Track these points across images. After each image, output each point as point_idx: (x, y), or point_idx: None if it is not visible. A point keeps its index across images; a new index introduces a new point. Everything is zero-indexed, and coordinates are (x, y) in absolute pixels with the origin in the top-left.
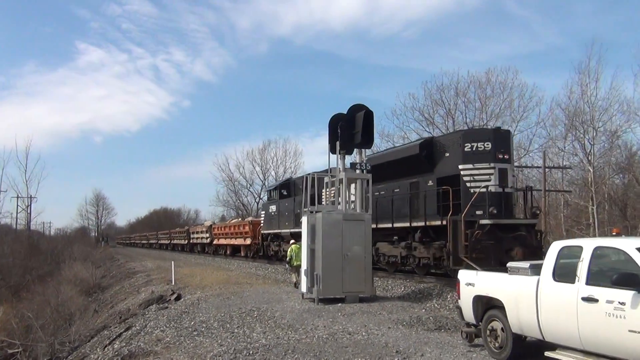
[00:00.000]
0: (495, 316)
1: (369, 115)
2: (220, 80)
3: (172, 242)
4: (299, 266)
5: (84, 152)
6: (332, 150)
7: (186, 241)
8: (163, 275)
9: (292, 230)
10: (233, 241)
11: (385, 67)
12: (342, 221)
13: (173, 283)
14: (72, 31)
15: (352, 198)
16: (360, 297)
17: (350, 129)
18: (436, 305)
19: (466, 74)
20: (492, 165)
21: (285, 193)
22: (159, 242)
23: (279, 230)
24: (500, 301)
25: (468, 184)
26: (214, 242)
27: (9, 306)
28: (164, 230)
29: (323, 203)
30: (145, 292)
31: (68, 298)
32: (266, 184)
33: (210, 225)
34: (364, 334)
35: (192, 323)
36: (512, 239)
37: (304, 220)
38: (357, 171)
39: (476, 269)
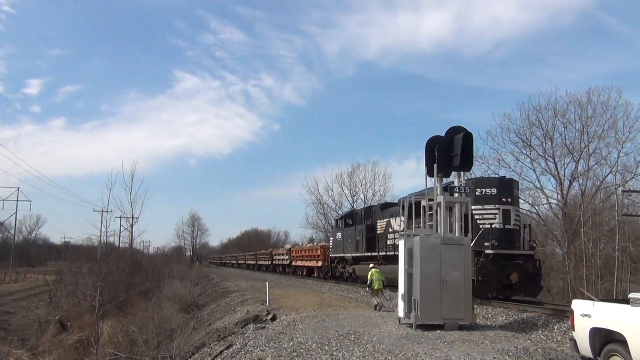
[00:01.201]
0: (616, 351)
1: (468, 137)
2: (308, 104)
3: (257, 262)
4: (379, 289)
5: (180, 175)
6: (429, 173)
7: (269, 262)
8: (257, 295)
9: (353, 254)
10: (308, 263)
11: (475, 88)
12: (440, 245)
13: (267, 303)
14: (169, 60)
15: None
16: (459, 324)
17: (448, 151)
18: (542, 336)
19: (564, 94)
20: (496, 206)
21: (349, 222)
22: (247, 262)
23: (344, 255)
24: (622, 335)
25: (478, 221)
26: (292, 264)
27: (115, 320)
28: (252, 251)
29: (389, 242)
30: (241, 312)
31: (169, 314)
32: (355, 206)
33: (290, 249)
34: None
35: (291, 344)
36: (511, 265)
37: (401, 243)
38: (456, 194)
39: (593, 299)
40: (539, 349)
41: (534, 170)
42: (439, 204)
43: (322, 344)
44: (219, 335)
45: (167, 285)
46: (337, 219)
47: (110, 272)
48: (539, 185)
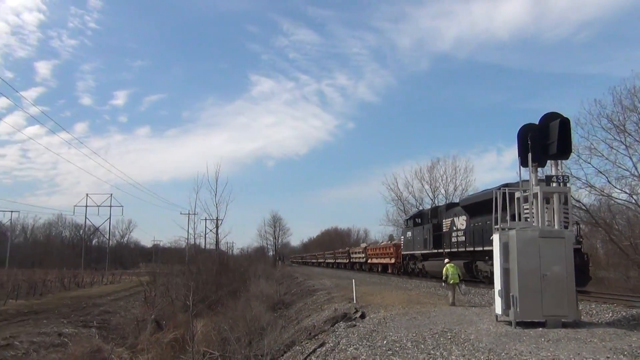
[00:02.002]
0: None
1: (565, 123)
2: (383, 100)
3: (336, 260)
4: (455, 284)
5: (259, 177)
6: (523, 163)
7: (347, 260)
8: (342, 293)
9: (422, 251)
10: (382, 260)
11: (557, 74)
12: (539, 239)
13: (355, 301)
14: (245, 65)
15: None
16: (562, 321)
17: (543, 139)
18: None
19: None
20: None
21: (418, 222)
22: (326, 260)
23: (413, 252)
24: None
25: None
26: (368, 261)
27: (207, 319)
28: (331, 250)
29: (458, 239)
30: (329, 310)
31: (258, 313)
32: (436, 202)
33: (365, 247)
34: None
35: (385, 342)
36: None
37: (495, 238)
38: (554, 184)
39: None
40: None
41: (630, 157)
42: (535, 195)
43: (417, 342)
44: (309, 334)
45: (254, 284)
46: (406, 219)
47: (200, 272)
48: (636, 173)
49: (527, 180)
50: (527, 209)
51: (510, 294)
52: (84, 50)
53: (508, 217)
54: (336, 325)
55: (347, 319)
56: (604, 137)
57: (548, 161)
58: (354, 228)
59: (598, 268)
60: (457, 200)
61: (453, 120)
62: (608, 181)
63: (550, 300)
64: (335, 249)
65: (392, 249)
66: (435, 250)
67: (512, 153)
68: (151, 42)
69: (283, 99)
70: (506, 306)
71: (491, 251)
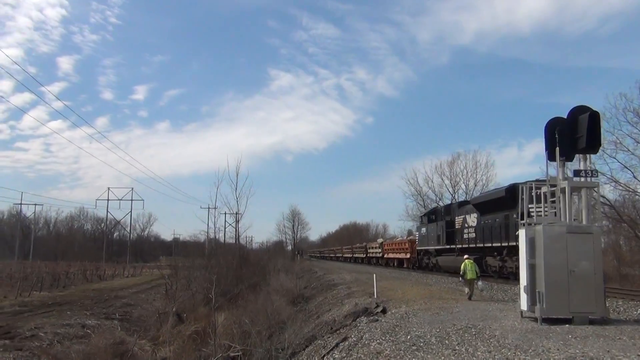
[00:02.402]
0: None
1: (595, 116)
2: (402, 95)
3: (353, 255)
4: (472, 279)
5: (278, 171)
6: (550, 157)
7: (364, 255)
8: (363, 288)
9: (436, 247)
10: (398, 255)
11: (580, 68)
12: (566, 234)
13: (375, 296)
14: (264, 59)
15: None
16: (590, 318)
17: (571, 133)
18: None
19: None
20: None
21: (432, 218)
22: (344, 255)
23: (428, 247)
24: None
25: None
26: (385, 256)
27: (228, 313)
28: (350, 245)
29: (470, 236)
30: (349, 304)
31: (278, 307)
32: (456, 197)
33: (382, 242)
34: None
35: (409, 337)
36: None
37: (521, 233)
38: (582, 179)
39: None
40: None
41: None
42: (562, 190)
43: (442, 338)
44: (331, 328)
45: (274, 278)
46: (422, 216)
47: (220, 266)
48: None
49: (547, 176)
50: (543, 205)
51: (537, 290)
52: (105, 45)
53: (515, 217)
54: (358, 319)
55: (369, 313)
56: (629, 132)
57: (576, 156)
58: (372, 223)
59: (622, 265)
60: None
61: (473, 114)
62: (634, 176)
63: (577, 296)
64: (353, 244)
65: (407, 245)
66: (448, 246)
67: (533, 148)
68: (171, 37)
69: (302, 94)
70: (532, 302)
71: (500, 247)
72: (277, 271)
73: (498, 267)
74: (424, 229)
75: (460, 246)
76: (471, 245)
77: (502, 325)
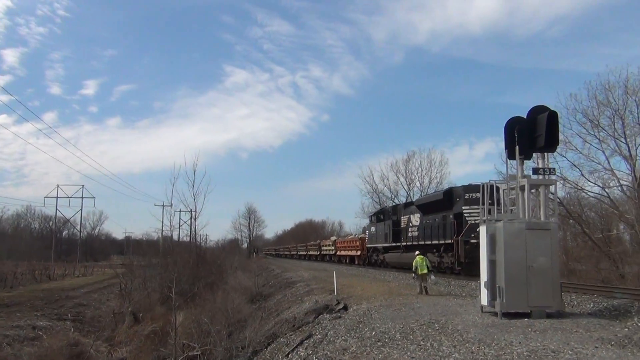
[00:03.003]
0: None
1: (553, 116)
2: (357, 93)
3: (308, 252)
4: (424, 275)
5: (232, 169)
6: (510, 155)
7: (318, 252)
8: (321, 285)
9: (384, 245)
10: (349, 252)
11: (530, 69)
12: (525, 230)
13: (336, 293)
14: (219, 55)
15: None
16: (547, 312)
17: (530, 132)
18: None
19: (637, 71)
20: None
21: (381, 218)
22: (298, 253)
23: (376, 245)
24: None
25: (467, 218)
26: (337, 253)
27: (187, 312)
28: (303, 242)
29: (413, 234)
30: (309, 301)
31: (237, 305)
32: (411, 195)
33: (334, 240)
34: (570, 352)
35: (373, 333)
36: None
37: (482, 229)
38: (541, 176)
39: None
40: None
41: (603, 152)
42: (522, 187)
43: (406, 333)
44: (293, 326)
45: (231, 276)
46: (371, 215)
47: (176, 264)
48: (609, 167)
49: (497, 173)
50: (484, 206)
51: (497, 285)
52: (53, 38)
53: (452, 217)
54: (320, 317)
55: (330, 310)
56: (578, 131)
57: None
58: (328, 220)
59: (570, 260)
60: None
61: (427, 113)
62: (582, 174)
63: (535, 291)
64: (307, 242)
65: (358, 242)
66: (395, 244)
67: (484, 147)
68: (122, 31)
69: (257, 91)
70: (492, 297)
71: (438, 245)
72: (235, 269)
73: (437, 262)
74: (373, 228)
75: (405, 244)
76: (414, 243)
77: (464, 320)
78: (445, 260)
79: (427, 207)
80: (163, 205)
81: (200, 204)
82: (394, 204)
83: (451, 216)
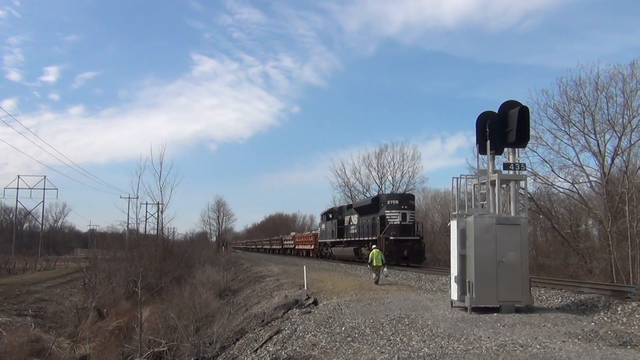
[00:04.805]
0: None
1: (524, 111)
2: (329, 84)
3: (272, 247)
4: (378, 266)
5: (201, 161)
6: (481, 150)
7: (281, 247)
8: (291, 280)
9: (331, 240)
10: (305, 246)
11: (501, 64)
12: (495, 225)
13: (306, 288)
14: (187, 43)
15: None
16: (516, 306)
17: (502, 127)
18: (606, 318)
19: (607, 67)
20: (398, 211)
21: (330, 216)
22: (264, 247)
23: (325, 240)
24: None
25: (388, 219)
26: (296, 247)
27: (153, 307)
28: (273, 236)
29: (352, 231)
30: (279, 296)
31: (205, 300)
32: (383, 189)
33: (294, 236)
34: (537, 346)
35: (343, 329)
36: (404, 246)
37: (453, 224)
38: (511, 172)
39: None
40: (609, 332)
41: (573, 147)
42: (492, 182)
43: (376, 328)
44: (262, 321)
45: (199, 271)
46: (322, 214)
47: (143, 258)
48: (578, 163)
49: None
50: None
51: (467, 280)
52: (11, 21)
53: (378, 219)
54: (290, 312)
55: (300, 305)
56: (549, 127)
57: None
58: (299, 214)
59: (540, 255)
60: (403, 189)
61: (399, 106)
62: (552, 170)
63: (505, 286)
64: (271, 237)
65: (312, 238)
66: (339, 239)
67: (456, 141)
68: (86, 16)
69: (226, 80)
70: (462, 292)
71: (368, 241)
72: (203, 263)
73: (367, 255)
74: (323, 225)
75: (346, 239)
76: (354, 239)
77: (434, 315)
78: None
79: (362, 209)
80: (129, 198)
81: (167, 197)
82: (340, 205)
83: (378, 218)
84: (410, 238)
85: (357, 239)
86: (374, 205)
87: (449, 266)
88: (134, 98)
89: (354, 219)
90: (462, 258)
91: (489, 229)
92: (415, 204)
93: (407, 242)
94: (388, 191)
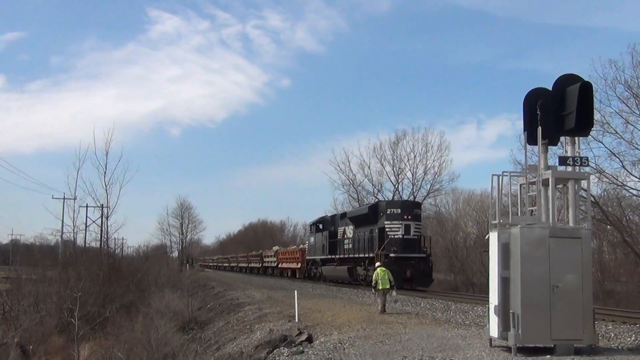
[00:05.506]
0: None
1: (586, 89)
2: (329, 50)
3: (249, 265)
4: (385, 290)
5: (159, 149)
6: (530, 139)
7: (260, 264)
8: (278, 308)
9: (321, 257)
10: (290, 265)
11: (557, 26)
12: (549, 238)
13: (297, 319)
14: None
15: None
16: (575, 347)
17: (557, 109)
18: None
19: None
20: (400, 222)
21: (320, 227)
22: (239, 264)
23: (315, 257)
24: None
25: (388, 233)
26: (279, 266)
27: (95, 344)
28: (244, 253)
29: (347, 247)
30: (261, 331)
31: (163, 335)
32: (400, 189)
33: (277, 251)
34: None
35: None
36: (407, 265)
37: (492, 237)
38: (570, 168)
39: None
40: None
41: None
42: (545, 182)
43: None
44: None
45: (156, 296)
46: (310, 224)
47: (81, 279)
48: None
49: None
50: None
51: (511, 311)
52: None
53: (376, 231)
54: (276, 351)
55: (288, 343)
56: (619, 109)
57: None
58: (289, 221)
59: (607, 278)
60: (427, 188)
61: (421, 81)
62: (623, 166)
63: (561, 319)
64: (251, 251)
65: (298, 254)
66: (331, 256)
67: (496, 127)
68: None
69: (193, 44)
70: (504, 327)
71: (364, 258)
72: (161, 286)
73: (363, 275)
74: (312, 238)
75: (339, 256)
76: (348, 256)
77: (467, 358)
78: (370, 274)
79: (357, 220)
80: (64, 198)
81: (114, 198)
82: (332, 213)
83: (376, 230)
84: (414, 255)
85: (351, 255)
86: (371, 215)
87: (486, 292)
88: (70, 67)
89: (349, 230)
90: (505, 282)
91: (540, 243)
92: (422, 214)
93: (411, 261)
94: (407, 192)
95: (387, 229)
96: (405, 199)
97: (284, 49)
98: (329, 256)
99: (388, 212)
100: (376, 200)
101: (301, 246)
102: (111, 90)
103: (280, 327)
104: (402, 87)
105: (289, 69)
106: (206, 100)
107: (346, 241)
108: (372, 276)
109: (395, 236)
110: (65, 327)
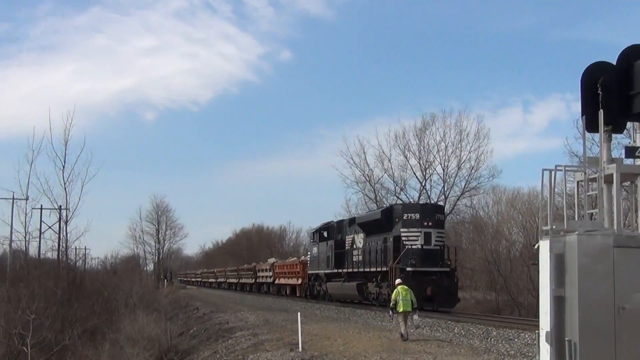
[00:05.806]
0: None
1: None
2: (339, 16)
3: (240, 280)
4: (407, 313)
5: (130, 138)
6: (589, 126)
7: (253, 280)
8: (277, 334)
9: (325, 271)
10: (289, 280)
11: None
12: (614, 248)
13: (300, 349)
14: None
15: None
16: None
17: (623, 88)
18: None
19: None
20: (419, 230)
21: (324, 236)
22: (228, 280)
23: (318, 271)
24: None
25: (405, 242)
26: (276, 282)
27: None
28: (234, 266)
29: (356, 259)
30: None
31: None
32: (428, 187)
33: (273, 264)
34: None
35: None
36: (427, 280)
37: (543, 246)
38: (638, 161)
39: None
40: None
41: None
42: (608, 178)
43: None
44: None
45: (127, 319)
46: (313, 232)
47: (35, 297)
48: None
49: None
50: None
51: (566, 339)
52: None
53: (391, 240)
54: None
55: None
56: None
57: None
58: (290, 227)
59: None
60: (461, 186)
61: (454, 54)
62: None
63: (629, 348)
64: (243, 264)
65: (298, 267)
66: (337, 270)
67: (547, 110)
68: None
69: (171, 8)
70: (559, 358)
71: (376, 272)
72: (133, 307)
73: (376, 293)
74: (315, 249)
75: (347, 270)
76: (358, 270)
77: None
78: (384, 292)
79: (368, 226)
80: (13, 199)
81: (75, 198)
82: (341, 218)
83: (390, 239)
84: (436, 270)
85: (361, 269)
86: (385, 221)
87: (535, 315)
88: (21, 36)
89: (358, 239)
90: (559, 301)
91: (602, 254)
92: (446, 219)
93: (432, 276)
94: (436, 191)
95: (403, 238)
96: (435, 199)
97: (284, 14)
98: (335, 270)
99: (404, 217)
100: (398, 201)
101: (302, 258)
102: (70, 65)
103: (280, 358)
104: (430, 61)
105: (289, 38)
106: (188, 77)
107: (355, 252)
108: (386, 294)
109: (413, 246)
110: (15, 358)
